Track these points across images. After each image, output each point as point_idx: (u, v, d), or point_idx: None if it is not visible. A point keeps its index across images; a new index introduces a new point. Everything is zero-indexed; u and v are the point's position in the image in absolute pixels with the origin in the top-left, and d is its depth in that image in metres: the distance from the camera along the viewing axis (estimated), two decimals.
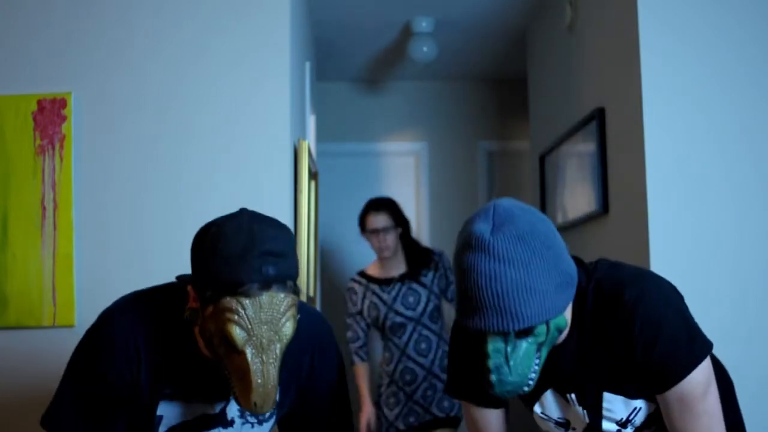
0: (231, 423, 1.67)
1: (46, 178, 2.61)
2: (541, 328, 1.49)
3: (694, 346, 1.56)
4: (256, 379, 1.46)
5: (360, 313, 3.72)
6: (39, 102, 2.62)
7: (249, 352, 1.46)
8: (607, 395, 1.62)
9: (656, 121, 2.63)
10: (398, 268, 3.71)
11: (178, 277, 1.65)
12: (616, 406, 1.63)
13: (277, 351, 1.48)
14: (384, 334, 3.68)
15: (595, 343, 1.59)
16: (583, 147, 3.27)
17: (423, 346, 3.61)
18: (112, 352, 1.58)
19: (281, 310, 1.46)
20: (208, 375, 1.61)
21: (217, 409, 1.65)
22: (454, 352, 1.78)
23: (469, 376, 1.76)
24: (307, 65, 3.64)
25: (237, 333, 1.44)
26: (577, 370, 1.62)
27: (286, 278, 1.47)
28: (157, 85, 2.70)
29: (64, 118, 2.62)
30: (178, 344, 1.60)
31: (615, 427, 1.65)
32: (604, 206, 3.01)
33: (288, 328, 1.48)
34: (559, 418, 1.72)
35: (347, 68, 5.18)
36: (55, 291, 2.61)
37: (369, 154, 5.41)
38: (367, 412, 3.67)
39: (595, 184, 3.08)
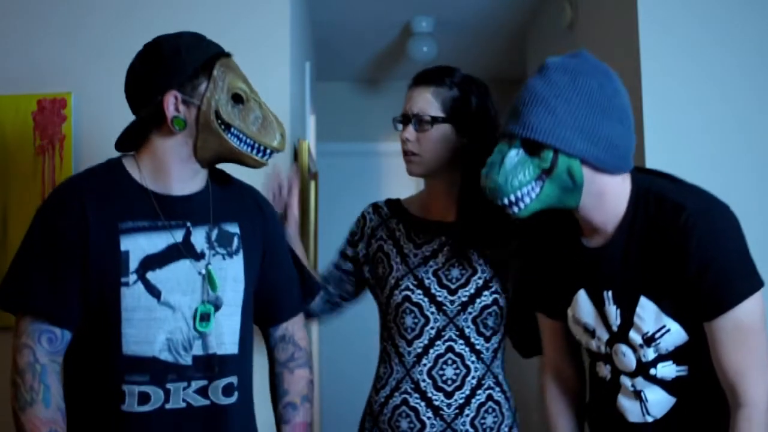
0: (202, 255, 1.77)
1: (46, 178, 2.61)
2: (548, 154, 1.55)
3: (752, 274, 1.55)
4: (272, 114, 1.79)
5: (353, 257, 2.16)
6: (39, 102, 2.62)
7: (258, 99, 1.79)
8: (642, 300, 1.61)
9: (656, 121, 2.63)
10: (454, 211, 2.04)
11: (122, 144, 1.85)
12: (647, 314, 1.60)
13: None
14: (384, 324, 2.07)
15: (646, 248, 1.59)
16: None
17: (449, 372, 1.98)
18: (57, 206, 1.73)
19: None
20: (157, 202, 1.76)
21: (180, 237, 1.76)
22: (523, 251, 1.88)
23: (531, 280, 1.85)
24: (307, 65, 3.64)
25: (241, 84, 1.77)
26: (620, 269, 1.62)
27: None
28: None
29: (64, 118, 2.62)
30: (119, 181, 1.77)
31: (639, 340, 1.63)
32: None
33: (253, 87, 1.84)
34: (586, 323, 1.71)
35: (347, 68, 5.18)
36: None
37: (369, 154, 5.41)
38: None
39: None
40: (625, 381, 1.67)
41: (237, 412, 1.79)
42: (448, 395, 1.97)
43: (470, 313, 1.98)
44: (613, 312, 1.65)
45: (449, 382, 1.98)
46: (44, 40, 2.69)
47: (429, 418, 1.98)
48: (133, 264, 1.70)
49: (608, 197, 1.61)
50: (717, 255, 1.53)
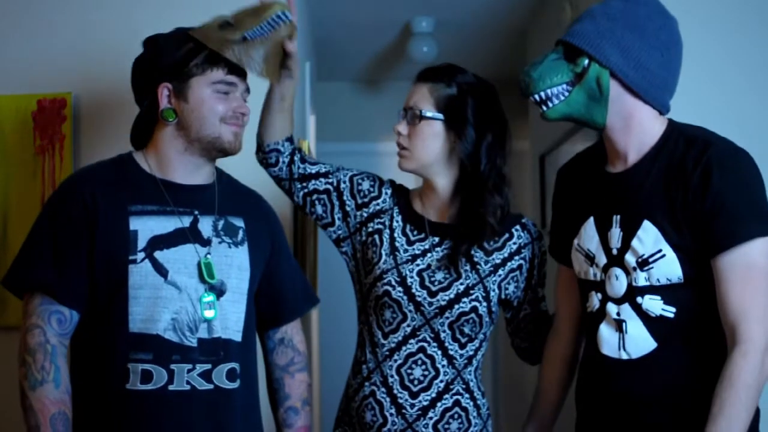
0: (208, 242, 1.81)
1: (46, 178, 2.61)
2: (582, 60, 1.68)
3: (766, 217, 1.59)
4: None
5: (347, 209, 2.06)
6: (39, 102, 2.61)
7: (244, 11, 1.86)
8: (645, 224, 1.66)
9: None
10: (449, 214, 2.03)
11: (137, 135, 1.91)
12: (647, 237, 1.65)
13: None
14: (363, 308, 2.05)
15: (666, 176, 1.65)
16: (583, 147, 3.26)
17: (417, 372, 1.96)
18: (67, 192, 1.80)
19: None
20: (166, 190, 1.82)
21: (187, 223, 1.80)
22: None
23: (556, 219, 1.95)
24: (307, 65, 3.64)
25: (225, 18, 1.83)
26: (633, 194, 1.69)
27: None
28: None
29: (64, 118, 2.62)
30: (129, 171, 1.83)
31: (633, 263, 1.67)
32: None
33: None
34: (588, 250, 1.78)
35: (347, 68, 5.18)
36: None
37: (369, 154, 5.40)
38: None
39: None
40: (611, 308, 1.72)
41: (240, 398, 1.82)
42: (413, 395, 1.95)
43: (447, 318, 1.95)
44: (616, 235, 1.71)
45: (416, 382, 1.95)
46: (44, 40, 2.69)
47: (391, 414, 1.95)
48: (141, 242, 1.75)
49: (635, 122, 1.69)
50: (736, 192, 1.58)
